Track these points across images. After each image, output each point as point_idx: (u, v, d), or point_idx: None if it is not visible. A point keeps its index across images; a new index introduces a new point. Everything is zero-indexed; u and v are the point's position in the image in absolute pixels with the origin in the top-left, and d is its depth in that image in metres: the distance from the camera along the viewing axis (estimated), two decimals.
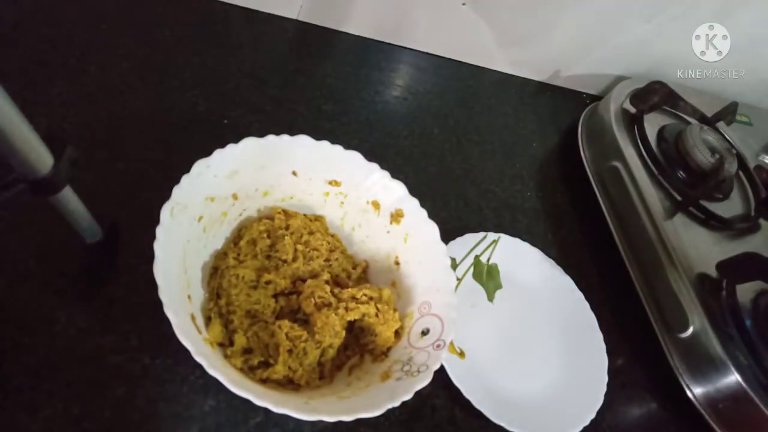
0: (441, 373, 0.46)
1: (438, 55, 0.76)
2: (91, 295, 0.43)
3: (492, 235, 0.57)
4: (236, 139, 0.43)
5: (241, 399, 0.33)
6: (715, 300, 0.55)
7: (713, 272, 0.57)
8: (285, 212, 0.48)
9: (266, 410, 0.33)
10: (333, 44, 0.70)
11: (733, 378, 0.50)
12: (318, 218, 0.50)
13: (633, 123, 0.68)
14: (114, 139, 0.51)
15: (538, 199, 0.68)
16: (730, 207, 0.66)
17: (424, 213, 0.47)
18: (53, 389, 0.38)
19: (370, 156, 0.47)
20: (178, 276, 0.39)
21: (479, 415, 0.46)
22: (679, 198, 0.63)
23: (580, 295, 0.57)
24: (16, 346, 0.39)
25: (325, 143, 0.46)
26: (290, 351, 0.40)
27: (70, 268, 0.43)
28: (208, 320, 0.41)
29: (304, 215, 0.49)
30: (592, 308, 0.56)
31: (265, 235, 0.46)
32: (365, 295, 0.44)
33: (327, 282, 0.45)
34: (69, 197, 0.37)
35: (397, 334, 0.44)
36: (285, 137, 0.45)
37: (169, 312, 0.33)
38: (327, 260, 0.47)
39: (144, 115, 0.53)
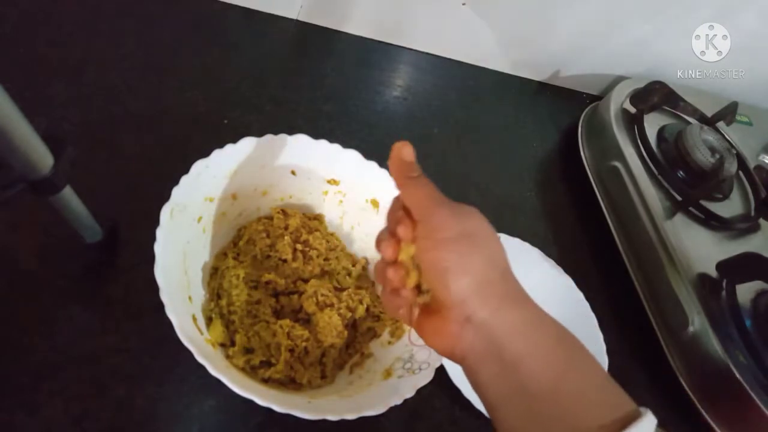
0: (441, 373, 0.46)
1: (438, 55, 0.76)
2: (91, 295, 0.43)
3: None
4: (236, 139, 0.43)
5: (242, 399, 0.33)
6: (715, 300, 0.54)
7: (713, 272, 0.57)
8: (284, 212, 0.48)
9: (266, 410, 0.33)
10: (333, 44, 0.70)
11: (733, 378, 0.50)
12: (317, 217, 0.50)
13: (633, 123, 0.68)
14: (114, 139, 0.51)
15: (538, 199, 0.68)
16: (730, 207, 0.66)
17: None
18: (53, 389, 0.38)
19: (370, 156, 0.47)
20: (179, 277, 0.39)
21: (479, 415, 0.46)
22: (679, 198, 0.63)
23: (580, 295, 0.57)
24: (16, 346, 0.39)
25: (324, 142, 0.46)
26: (292, 350, 0.40)
27: (70, 268, 0.43)
28: (209, 321, 0.41)
29: (303, 214, 0.49)
30: (592, 308, 0.56)
31: (264, 234, 0.46)
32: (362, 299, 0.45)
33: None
34: (69, 197, 0.38)
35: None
36: (283, 136, 0.45)
37: (171, 314, 0.33)
38: (326, 259, 0.47)
39: (144, 115, 0.53)
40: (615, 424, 0.26)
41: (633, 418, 0.26)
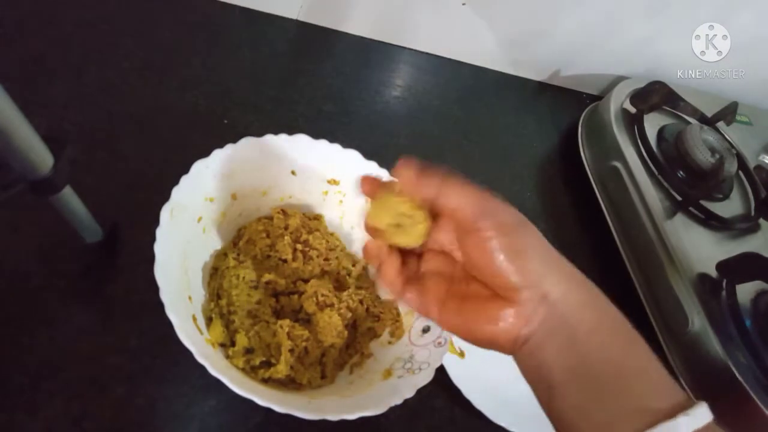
0: (441, 373, 0.46)
1: (438, 55, 0.76)
2: (91, 295, 0.43)
3: None
4: (236, 139, 0.43)
5: (242, 399, 0.33)
6: (715, 300, 0.55)
7: (713, 272, 0.57)
8: (284, 212, 0.48)
9: (266, 410, 0.33)
10: (333, 44, 0.70)
11: (733, 378, 0.50)
12: (317, 217, 0.50)
13: (633, 123, 0.68)
14: (114, 139, 0.51)
15: (538, 199, 0.68)
16: (730, 207, 0.66)
17: None
18: (53, 389, 0.38)
19: (370, 156, 0.47)
20: (179, 277, 0.39)
21: (479, 415, 0.46)
22: (679, 198, 0.63)
23: None
24: (16, 346, 0.39)
25: (324, 142, 0.46)
26: (292, 351, 0.40)
27: (70, 268, 0.43)
28: (209, 321, 0.41)
29: (303, 214, 0.49)
30: None
31: (264, 234, 0.46)
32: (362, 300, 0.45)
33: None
34: (69, 197, 0.38)
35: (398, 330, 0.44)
36: (283, 136, 0.45)
37: (171, 314, 0.33)
38: (326, 259, 0.47)
39: (144, 115, 0.53)
40: (677, 407, 0.26)
41: (689, 405, 0.27)
